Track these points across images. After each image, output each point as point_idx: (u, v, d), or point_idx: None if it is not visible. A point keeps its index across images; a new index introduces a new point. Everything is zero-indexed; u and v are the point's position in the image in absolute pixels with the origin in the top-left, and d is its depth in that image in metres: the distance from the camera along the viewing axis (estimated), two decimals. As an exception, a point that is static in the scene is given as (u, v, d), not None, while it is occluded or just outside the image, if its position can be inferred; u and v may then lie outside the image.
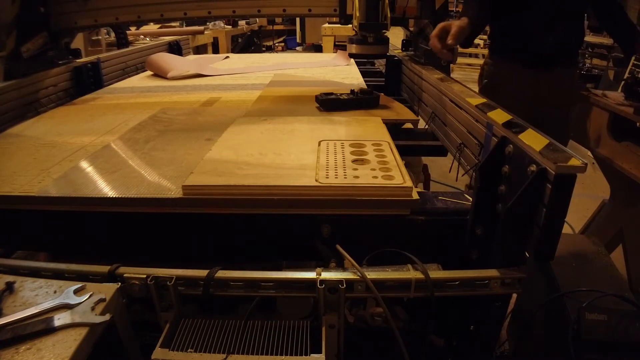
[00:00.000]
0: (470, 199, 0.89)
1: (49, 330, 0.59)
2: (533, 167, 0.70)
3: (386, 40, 1.91)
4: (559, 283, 0.78)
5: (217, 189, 0.85)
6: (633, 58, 1.77)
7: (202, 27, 5.14)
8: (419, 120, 1.45)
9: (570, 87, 1.73)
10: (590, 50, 4.65)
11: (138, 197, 0.86)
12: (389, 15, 1.83)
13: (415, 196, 0.83)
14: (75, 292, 0.66)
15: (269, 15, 5.89)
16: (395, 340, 0.73)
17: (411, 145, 1.43)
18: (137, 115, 1.40)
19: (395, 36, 1.92)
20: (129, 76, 2.16)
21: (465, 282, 0.74)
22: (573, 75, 1.75)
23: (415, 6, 1.67)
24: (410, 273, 0.74)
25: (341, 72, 2.09)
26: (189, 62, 2.27)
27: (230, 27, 6.34)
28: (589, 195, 2.69)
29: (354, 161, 0.96)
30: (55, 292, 0.66)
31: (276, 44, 8.55)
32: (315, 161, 0.95)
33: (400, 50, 1.98)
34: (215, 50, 5.49)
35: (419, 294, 0.73)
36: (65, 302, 0.64)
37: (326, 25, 5.11)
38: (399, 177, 0.89)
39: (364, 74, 1.99)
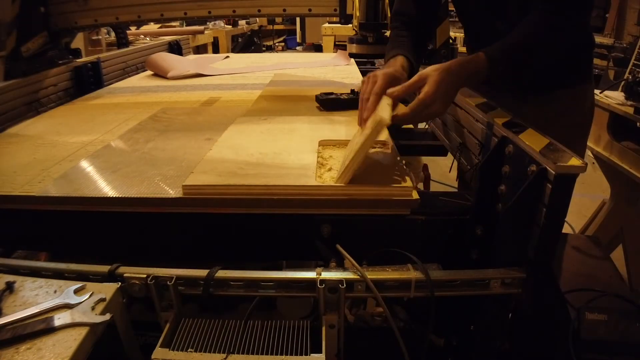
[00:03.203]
0: (471, 199, 0.89)
1: (49, 330, 0.59)
2: (533, 167, 0.70)
3: (386, 40, 1.91)
4: (559, 283, 0.78)
5: (217, 189, 0.85)
6: (633, 58, 1.76)
7: (202, 27, 5.14)
8: (419, 120, 1.44)
9: (571, 112, 1.25)
10: (593, 51, 4.64)
11: (138, 197, 0.86)
12: (388, 15, 1.83)
13: (415, 196, 0.83)
14: (76, 291, 0.66)
15: (269, 15, 5.90)
16: (395, 340, 0.73)
17: (411, 145, 1.43)
18: (137, 115, 1.40)
19: (395, 36, 1.92)
20: (129, 76, 2.16)
21: (465, 282, 0.74)
22: (572, 98, 1.25)
23: (415, 6, 1.66)
24: (410, 273, 0.74)
25: (341, 72, 2.09)
26: (189, 62, 2.27)
27: (230, 26, 6.34)
28: (589, 195, 2.70)
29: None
30: (55, 291, 0.66)
31: (276, 44, 8.54)
32: (316, 161, 0.95)
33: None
34: (216, 50, 5.49)
35: (419, 294, 0.73)
36: (66, 301, 0.64)
37: (326, 25, 5.10)
38: (399, 177, 0.89)
39: (364, 73, 1.99)
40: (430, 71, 0.90)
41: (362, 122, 0.95)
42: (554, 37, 0.99)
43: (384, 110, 0.87)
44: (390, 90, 0.94)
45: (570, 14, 0.98)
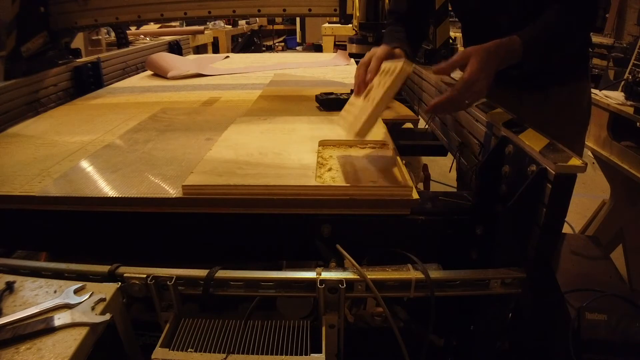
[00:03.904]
0: (471, 199, 0.89)
1: (49, 330, 0.59)
2: (533, 167, 0.70)
3: (386, 40, 1.91)
4: (559, 283, 0.78)
5: (217, 189, 0.85)
6: (633, 58, 1.76)
7: (202, 27, 5.15)
8: (419, 120, 1.45)
9: (569, 110, 1.26)
10: (590, 50, 4.64)
11: (138, 197, 0.86)
12: (389, 15, 1.83)
13: (415, 196, 0.83)
14: (76, 291, 0.66)
15: (269, 15, 5.91)
16: (395, 340, 0.73)
17: (411, 145, 1.43)
18: (137, 115, 1.40)
19: (395, 36, 1.91)
20: (129, 76, 2.16)
21: (465, 282, 0.74)
22: (569, 96, 1.26)
23: (415, 6, 1.66)
24: (410, 273, 0.74)
25: (341, 72, 2.09)
26: (189, 62, 2.27)
27: (230, 26, 6.35)
28: (589, 195, 2.70)
29: (354, 161, 0.96)
30: (55, 291, 0.66)
31: (276, 44, 8.55)
32: (316, 161, 0.95)
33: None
34: (215, 50, 5.50)
35: (419, 294, 0.73)
36: (66, 301, 0.64)
37: (326, 25, 5.11)
38: (399, 177, 0.89)
39: (364, 73, 1.98)
40: (472, 50, 0.90)
41: (362, 84, 0.97)
42: (570, 33, 1.02)
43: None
44: (436, 68, 0.95)
45: (581, 13, 1.00)
